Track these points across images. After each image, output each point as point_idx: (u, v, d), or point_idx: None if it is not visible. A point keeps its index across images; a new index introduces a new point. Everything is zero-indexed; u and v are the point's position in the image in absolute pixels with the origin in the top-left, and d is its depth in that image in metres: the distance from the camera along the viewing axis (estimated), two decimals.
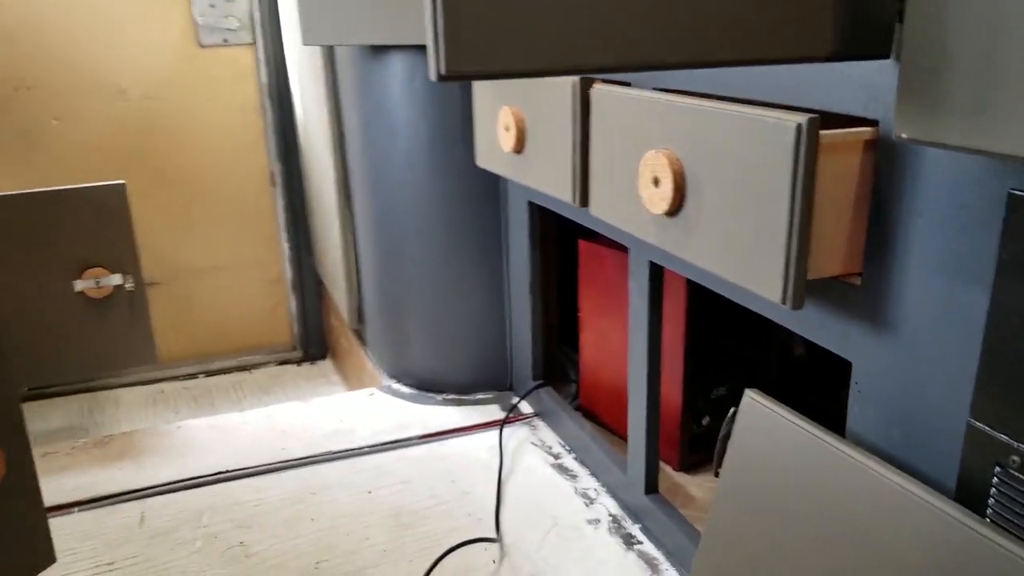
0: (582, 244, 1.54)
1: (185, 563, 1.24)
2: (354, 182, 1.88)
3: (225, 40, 2.40)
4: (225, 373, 2.62)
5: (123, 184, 1.68)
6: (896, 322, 0.75)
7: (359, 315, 2.06)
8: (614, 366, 1.52)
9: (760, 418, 0.84)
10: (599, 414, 1.62)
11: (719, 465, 0.91)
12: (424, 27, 0.57)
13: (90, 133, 2.36)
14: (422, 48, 1.55)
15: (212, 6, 2.36)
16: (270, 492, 1.42)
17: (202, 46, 2.39)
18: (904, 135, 0.59)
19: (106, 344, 1.68)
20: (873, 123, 0.75)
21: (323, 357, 2.72)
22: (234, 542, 1.28)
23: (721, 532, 0.90)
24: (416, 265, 1.75)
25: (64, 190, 1.67)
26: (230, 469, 1.48)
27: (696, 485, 1.43)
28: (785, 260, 0.74)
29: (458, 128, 1.60)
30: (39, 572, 1.18)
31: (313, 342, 2.70)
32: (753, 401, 0.86)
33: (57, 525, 1.32)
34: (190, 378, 2.56)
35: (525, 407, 1.72)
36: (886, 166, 0.74)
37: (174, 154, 2.45)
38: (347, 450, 1.56)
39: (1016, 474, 0.62)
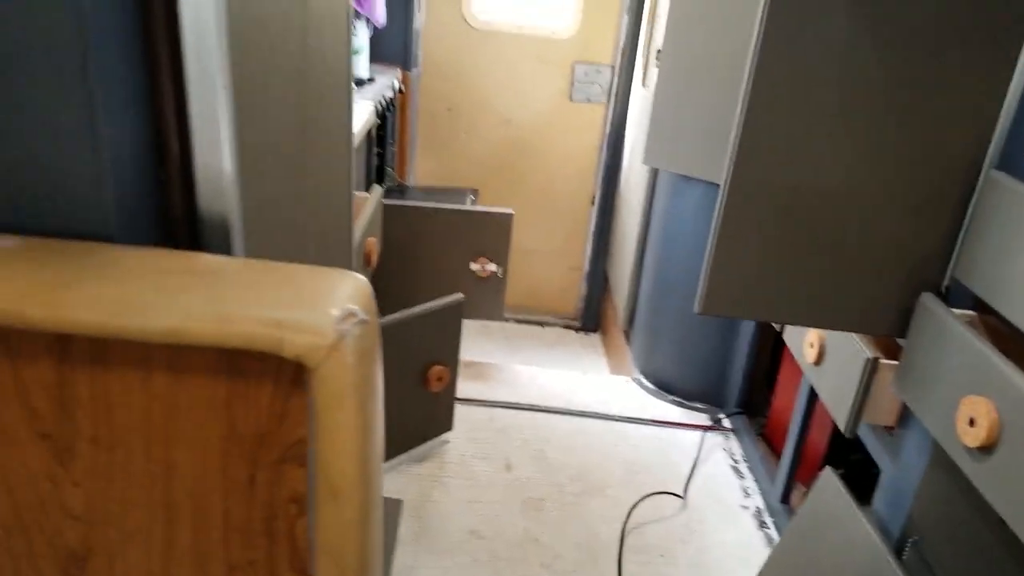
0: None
1: (510, 451, 2.27)
2: (650, 247, 2.77)
3: (588, 99, 3.35)
4: (527, 324, 3.70)
5: (511, 213, 2.69)
6: (901, 459, 1.50)
7: (630, 321, 2.98)
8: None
9: (831, 492, 1.63)
10: (774, 445, 2.41)
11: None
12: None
13: (483, 145, 3.46)
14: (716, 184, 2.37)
15: (586, 74, 3.31)
16: (559, 426, 2.42)
17: (571, 100, 3.36)
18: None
19: (480, 304, 2.75)
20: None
21: (595, 331, 3.70)
22: (537, 448, 2.30)
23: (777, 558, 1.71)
24: (677, 309, 2.61)
25: (475, 210, 2.72)
26: (539, 405, 2.50)
27: None
28: (848, 413, 1.52)
29: None
30: (444, 433, 2.27)
31: (590, 319, 3.68)
32: (831, 478, 1.64)
33: None
34: (505, 321, 3.67)
35: (726, 423, 2.55)
36: None
37: (531, 170, 3.49)
38: (606, 414, 2.51)
39: None
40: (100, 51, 0.72)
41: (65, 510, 0.96)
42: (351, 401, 0.71)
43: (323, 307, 0.70)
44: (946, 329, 1.25)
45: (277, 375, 0.80)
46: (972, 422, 1.12)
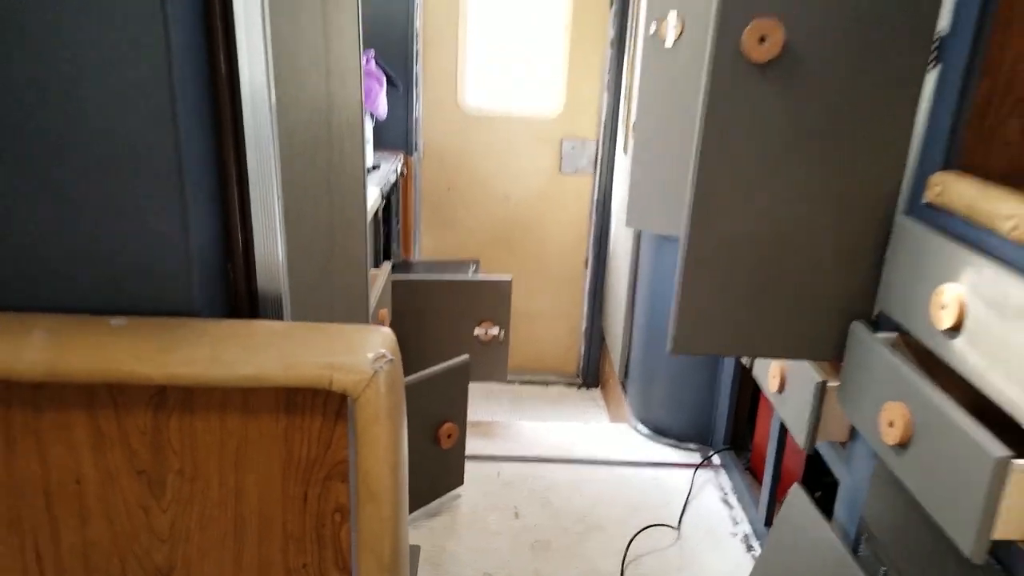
0: None
1: (519, 500, 2.48)
2: (638, 302, 3.03)
3: (576, 170, 3.67)
4: (531, 384, 3.93)
5: (510, 280, 2.95)
6: (853, 469, 1.72)
7: (625, 373, 3.21)
8: None
9: (799, 504, 1.84)
10: (758, 476, 2.62)
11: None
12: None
13: (482, 220, 3.76)
14: None
15: (573, 148, 3.63)
16: (560, 474, 2.63)
17: (561, 173, 3.68)
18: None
19: (485, 366, 2.99)
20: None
21: (596, 386, 3.92)
22: (543, 495, 2.51)
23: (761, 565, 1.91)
24: (666, 358, 2.85)
25: (476, 279, 2.98)
26: (542, 456, 2.72)
27: None
28: (806, 432, 1.75)
29: None
30: (455, 488, 2.49)
31: (591, 375, 3.91)
32: (798, 492, 1.85)
33: None
34: (510, 383, 3.90)
35: (715, 459, 2.76)
36: None
37: (529, 240, 3.78)
38: (605, 460, 2.72)
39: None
40: (190, 171, 0.99)
41: (154, 534, 1.20)
42: (385, 420, 0.96)
43: (361, 352, 0.95)
44: (869, 349, 1.49)
45: (324, 409, 1.05)
46: (892, 423, 1.35)
